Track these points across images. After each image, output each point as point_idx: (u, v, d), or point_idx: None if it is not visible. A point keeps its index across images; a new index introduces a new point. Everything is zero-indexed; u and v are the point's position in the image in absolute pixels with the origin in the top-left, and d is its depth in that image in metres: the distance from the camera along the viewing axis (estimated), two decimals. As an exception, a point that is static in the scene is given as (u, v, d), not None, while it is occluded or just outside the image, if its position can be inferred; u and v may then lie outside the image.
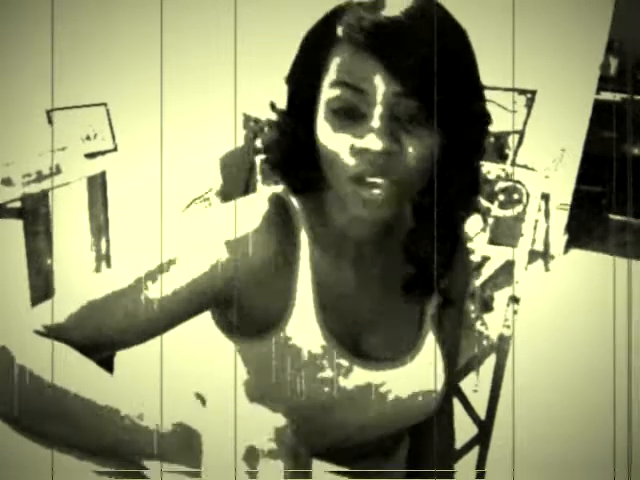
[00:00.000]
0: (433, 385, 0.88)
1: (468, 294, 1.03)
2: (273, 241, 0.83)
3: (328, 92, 0.76)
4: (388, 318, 0.90)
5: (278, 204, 0.86)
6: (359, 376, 0.86)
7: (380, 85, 0.73)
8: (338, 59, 0.75)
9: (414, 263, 0.87)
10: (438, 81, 0.73)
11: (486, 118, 0.82)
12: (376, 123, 0.73)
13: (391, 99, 0.73)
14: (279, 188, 0.88)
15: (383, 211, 0.77)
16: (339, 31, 0.75)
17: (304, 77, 0.80)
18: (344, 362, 0.85)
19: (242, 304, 0.83)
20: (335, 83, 0.75)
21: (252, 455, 0.64)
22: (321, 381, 0.83)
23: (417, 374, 0.88)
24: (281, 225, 0.84)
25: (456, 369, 1.09)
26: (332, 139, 0.76)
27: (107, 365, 0.79)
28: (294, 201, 0.87)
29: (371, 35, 0.72)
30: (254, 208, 0.84)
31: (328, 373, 0.83)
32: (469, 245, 1.00)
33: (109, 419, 0.69)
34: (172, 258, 0.79)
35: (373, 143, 0.73)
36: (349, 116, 0.75)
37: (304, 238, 0.85)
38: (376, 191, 0.75)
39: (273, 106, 0.86)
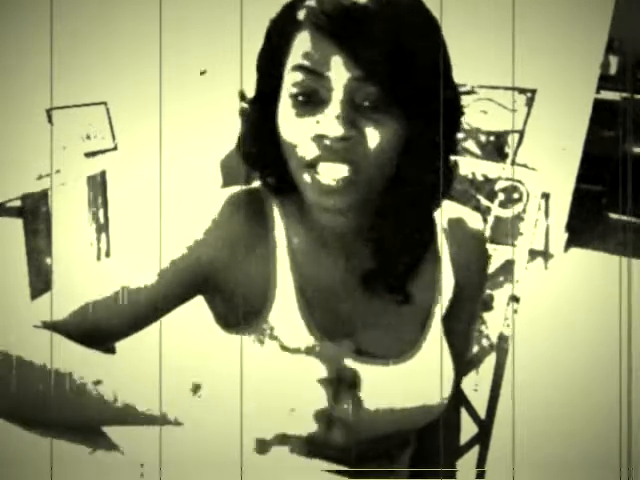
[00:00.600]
0: (438, 387, 0.86)
1: (482, 296, 0.99)
2: (240, 224, 0.81)
3: (289, 77, 0.74)
4: (385, 316, 0.87)
5: (246, 192, 0.84)
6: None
7: (340, 70, 0.70)
8: (299, 43, 0.73)
9: (376, 257, 0.84)
10: (403, 68, 0.70)
11: (457, 109, 0.78)
12: (334, 108, 0.71)
13: (351, 85, 0.70)
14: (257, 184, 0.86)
15: (341, 199, 0.74)
16: (301, 15, 0.72)
17: (269, 63, 0.77)
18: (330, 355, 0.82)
19: (223, 290, 0.83)
20: (296, 67, 0.73)
21: None
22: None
23: (420, 374, 0.86)
24: (249, 210, 0.82)
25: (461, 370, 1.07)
26: (292, 125, 0.74)
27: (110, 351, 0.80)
28: (266, 190, 0.85)
29: (332, 18, 0.70)
30: (222, 197, 0.83)
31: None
32: (487, 246, 0.96)
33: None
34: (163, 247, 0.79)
35: (330, 129, 0.70)
36: (309, 101, 0.73)
37: (279, 224, 0.84)
38: (332, 178, 0.73)
39: (243, 96, 0.83)
